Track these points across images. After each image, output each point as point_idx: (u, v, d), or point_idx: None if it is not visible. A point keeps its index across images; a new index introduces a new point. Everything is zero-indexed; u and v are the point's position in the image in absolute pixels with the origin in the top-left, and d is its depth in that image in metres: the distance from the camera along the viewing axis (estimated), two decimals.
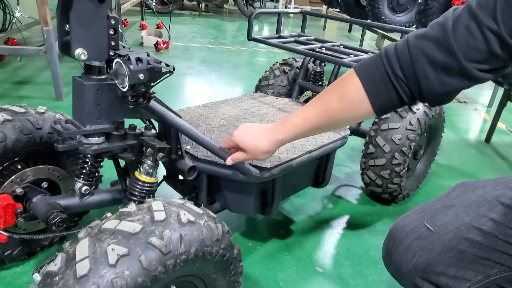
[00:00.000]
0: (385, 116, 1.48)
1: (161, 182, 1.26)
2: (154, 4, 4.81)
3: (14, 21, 3.15)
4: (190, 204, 0.80)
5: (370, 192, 1.71)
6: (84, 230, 0.69)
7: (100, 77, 0.87)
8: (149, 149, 0.93)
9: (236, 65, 3.86)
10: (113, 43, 0.86)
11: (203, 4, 7.75)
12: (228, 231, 0.83)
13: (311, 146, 1.23)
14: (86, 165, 1.01)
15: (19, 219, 1.04)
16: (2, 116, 1.04)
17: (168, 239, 0.67)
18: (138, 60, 0.80)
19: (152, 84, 0.87)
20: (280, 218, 1.52)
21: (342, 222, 1.54)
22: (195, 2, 7.58)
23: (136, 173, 0.95)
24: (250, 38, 1.74)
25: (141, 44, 4.31)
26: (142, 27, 5.12)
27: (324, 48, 1.66)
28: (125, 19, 5.41)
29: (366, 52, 1.68)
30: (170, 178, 1.27)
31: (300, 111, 0.85)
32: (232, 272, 0.84)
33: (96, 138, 0.92)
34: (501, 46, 0.63)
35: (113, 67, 0.82)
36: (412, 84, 0.71)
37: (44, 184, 1.13)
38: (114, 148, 0.95)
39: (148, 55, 0.82)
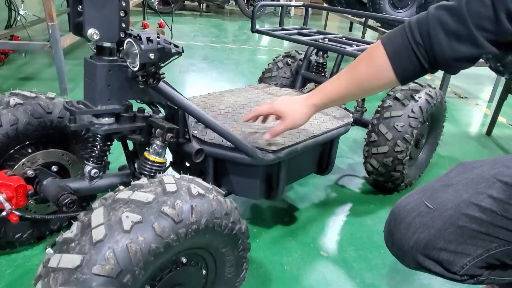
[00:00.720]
0: (387, 104, 1.50)
1: (167, 168, 1.28)
2: (156, 3, 4.84)
3: (19, 18, 3.17)
4: (199, 180, 0.82)
5: (373, 182, 1.73)
6: (98, 201, 0.71)
7: (111, 58, 0.90)
8: (158, 129, 0.96)
9: (238, 62, 3.89)
10: (123, 25, 0.88)
11: (204, 5, 7.79)
12: (236, 207, 0.85)
13: (316, 131, 1.25)
14: (95, 148, 1.03)
15: (30, 201, 1.06)
16: (14, 100, 1.06)
17: (180, 209, 0.69)
18: (149, 39, 0.83)
19: (161, 64, 0.89)
20: (284, 206, 1.54)
21: (345, 209, 1.56)
22: (196, 3, 7.63)
23: (146, 153, 0.97)
24: (253, 30, 1.77)
25: None
26: (144, 27, 5.15)
27: (327, 40, 1.68)
28: None
29: (368, 43, 1.70)
30: (176, 164, 1.29)
31: (332, 79, 0.94)
32: (241, 247, 0.86)
33: (107, 119, 0.95)
34: (508, 18, 0.68)
35: (125, 46, 0.84)
36: (429, 50, 0.77)
37: (54, 168, 1.15)
38: (123, 129, 0.98)
39: (158, 35, 0.85)
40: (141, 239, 0.64)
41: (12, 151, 1.08)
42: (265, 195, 1.24)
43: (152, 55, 0.83)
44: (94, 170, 1.05)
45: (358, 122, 1.70)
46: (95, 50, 0.93)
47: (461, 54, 0.75)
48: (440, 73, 3.31)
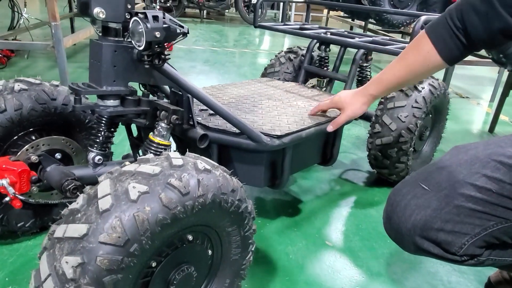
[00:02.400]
0: (390, 95, 1.50)
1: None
2: (157, 8, 4.88)
3: (22, 20, 3.20)
4: (205, 158, 0.81)
5: (377, 176, 1.72)
6: (104, 175, 0.70)
7: (117, 38, 0.90)
8: (163, 112, 0.95)
9: (239, 65, 3.90)
10: (129, 6, 0.88)
11: (205, 11, 7.85)
12: (242, 186, 0.84)
13: (319, 119, 1.24)
14: (99, 134, 1.03)
15: (33, 187, 1.06)
16: (19, 85, 1.06)
17: (187, 181, 0.68)
18: (155, 18, 0.83)
19: (166, 45, 0.89)
20: (288, 199, 1.53)
21: (349, 201, 1.54)
22: (197, 10, 7.69)
23: (150, 135, 0.96)
24: (256, 25, 1.78)
25: None
26: None
27: (329, 33, 1.69)
28: None
29: (370, 36, 1.71)
30: (180, 152, 1.28)
31: (385, 69, 1.04)
32: (247, 227, 0.85)
33: (112, 101, 0.94)
34: None
35: (130, 25, 0.84)
36: (466, 32, 0.84)
37: (58, 155, 1.14)
38: (129, 112, 0.97)
39: (164, 14, 0.85)
40: (148, 209, 0.63)
41: (16, 137, 1.07)
42: (270, 183, 1.23)
43: (158, 34, 0.83)
44: (98, 157, 1.04)
45: (361, 115, 1.69)
46: (100, 34, 0.93)
47: (493, 32, 0.79)
48: (441, 74, 3.32)
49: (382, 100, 1.53)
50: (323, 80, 1.77)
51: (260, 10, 7.52)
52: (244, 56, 4.39)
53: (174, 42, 0.90)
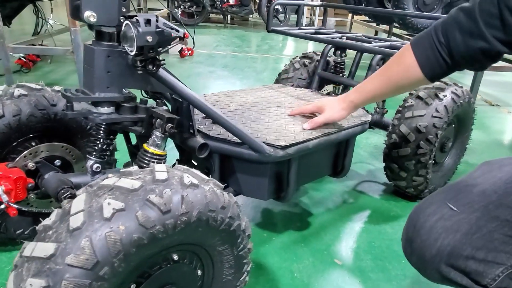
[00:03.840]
0: (409, 103, 1.41)
1: (173, 165, 1.23)
2: (179, 13, 4.92)
3: (47, 27, 3.27)
4: (196, 171, 0.76)
5: (394, 188, 1.62)
6: (83, 188, 0.66)
7: (111, 43, 0.86)
8: (158, 120, 0.91)
9: (259, 70, 3.86)
10: (123, 9, 0.84)
11: (229, 17, 7.88)
12: (236, 202, 0.78)
13: (329, 129, 1.17)
14: (98, 142, 1.00)
15: (31, 195, 1.04)
16: (19, 91, 1.05)
17: (168, 197, 0.63)
18: (147, 22, 0.78)
19: (161, 50, 0.85)
20: (298, 211, 1.45)
21: (363, 216, 1.45)
22: (221, 15, 7.72)
23: (145, 145, 0.92)
24: (269, 29, 1.72)
25: (167, 51, 4.39)
26: None
27: (345, 38, 1.61)
28: None
29: (388, 41, 1.61)
30: (183, 162, 1.24)
31: (368, 79, 1.04)
32: (240, 246, 0.78)
33: (106, 108, 0.91)
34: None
35: (122, 29, 0.80)
36: (448, 48, 0.81)
37: (57, 162, 1.12)
38: (124, 119, 0.93)
39: (157, 18, 0.80)
40: (122, 228, 0.58)
41: (15, 143, 1.05)
42: (274, 195, 1.16)
43: (150, 38, 0.78)
44: (96, 165, 1.01)
45: (378, 124, 1.60)
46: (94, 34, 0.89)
47: (474, 50, 0.77)
48: (469, 80, 3.15)
49: (400, 108, 1.44)
50: (338, 87, 1.69)
51: (283, 14, 7.48)
52: (264, 62, 4.34)
53: (169, 46, 0.86)
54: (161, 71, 0.89)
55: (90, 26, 0.88)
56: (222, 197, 0.72)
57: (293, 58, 1.88)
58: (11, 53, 2.59)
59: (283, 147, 1.03)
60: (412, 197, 1.56)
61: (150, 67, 0.85)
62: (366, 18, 5.24)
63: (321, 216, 1.43)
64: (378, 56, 1.45)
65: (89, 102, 0.91)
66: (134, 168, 0.70)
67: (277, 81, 1.87)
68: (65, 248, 0.55)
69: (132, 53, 0.80)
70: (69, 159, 1.14)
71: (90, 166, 1.01)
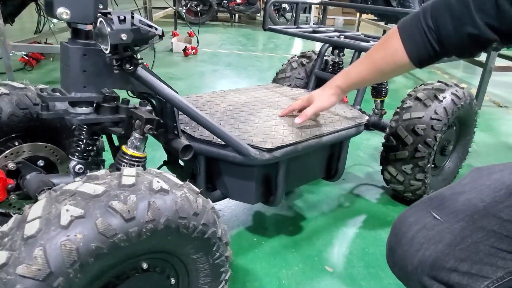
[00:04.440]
0: (407, 104, 1.35)
1: (161, 166, 1.20)
2: (184, 11, 4.90)
3: (51, 26, 3.28)
4: (170, 175, 0.72)
5: (392, 192, 1.56)
6: (46, 193, 0.63)
7: (87, 41, 0.83)
8: (137, 121, 0.88)
9: (263, 69, 3.81)
10: (100, 6, 0.81)
11: (236, 15, 7.85)
12: (213, 208, 0.75)
13: (321, 131, 1.12)
14: (80, 142, 0.97)
15: (12, 196, 1.02)
16: (0, 90, 1.02)
17: (133, 204, 0.60)
18: (121, 19, 0.75)
19: (138, 48, 0.81)
20: (290, 214, 1.41)
21: (358, 221, 1.41)
22: (228, 14, 7.69)
23: (123, 147, 0.89)
24: (265, 28, 1.68)
25: (171, 50, 4.38)
26: (174, 35, 5.22)
27: (342, 37, 1.56)
28: None
29: None
30: (170, 163, 1.21)
31: (354, 63, 1.00)
32: (216, 254, 0.75)
33: (84, 108, 0.88)
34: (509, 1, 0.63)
35: (96, 27, 0.77)
36: (437, 33, 0.75)
37: (41, 163, 1.09)
38: (103, 120, 0.90)
39: (132, 15, 0.77)
40: (80, 237, 0.54)
41: None
42: (263, 199, 1.13)
43: (124, 36, 0.75)
44: (78, 166, 0.98)
45: (376, 125, 1.55)
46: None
47: (462, 36, 0.71)
48: (476, 80, 3.07)
49: (398, 110, 1.38)
50: None
51: (291, 13, 7.42)
52: (269, 61, 4.30)
53: (147, 45, 0.82)
54: (140, 71, 0.86)
55: (69, 24, 0.85)
56: (195, 203, 0.69)
57: (291, 57, 1.83)
58: (13, 51, 2.59)
59: (269, 150, 0.99)
60: (411, 202, 1.50)
61: (127, 66, 0.82)
62: (374, 17, 5.16)
63: (315, 220, 1.38)
64: None
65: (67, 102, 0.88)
66: (102, 171, 0.67)
67: (274, 80, 1.83)
68: (18, 257, 0.52)
69: (107, 52, 0.77)
70: (53, 159, 1.12)
71: (72, 167, 0.98)
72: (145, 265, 0.67)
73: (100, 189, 0.60)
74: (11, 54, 2.53)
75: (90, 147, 0.99)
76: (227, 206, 1.42)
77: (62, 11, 0.76)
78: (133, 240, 0.59)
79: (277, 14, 7.24)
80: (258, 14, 8.02)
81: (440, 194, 0.70)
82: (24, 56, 3.04)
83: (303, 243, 1.26)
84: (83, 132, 0.96)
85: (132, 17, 0.77)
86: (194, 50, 4.27)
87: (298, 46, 5.53)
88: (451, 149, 1.50)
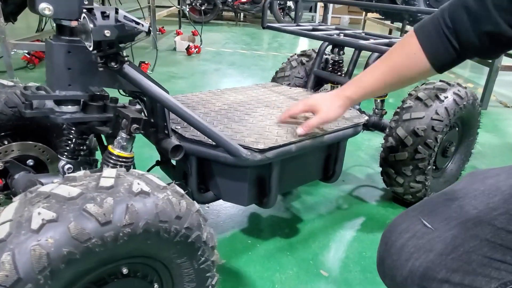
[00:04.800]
0: (407, 104, 1.32)
1: (153, 166, 1.18)
2: (187, 10, 4.88)
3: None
4: (153, 177, 0.70)
5: (393, 195, 1.53)
6: (22, 194, 0.61)
7: (72, 38, 0.81)
8: (124, 120, 0.85)
9: (265, 68, 3.78)
10: (86, 1, 0.79)
11: (242, 14, 7.82)
12: (199, 210, 0.72)
13: (316, 131, 1.09)
14: (70, 141, 0.95)
15: (0, 195, 1.00)
16: None
17: (109, 207, 0.57)
18: (105, 15, 0.73)
19: (123, 45, 0.79)
20: (287, 216, 1.38)
21: (356, 223, 1.37)
22: (233, 13, 7.67)
23: (110, 147, 0.86)
24: (264, 26, 1.65)
25: (175, 49, 4.37)
26: (178, 34, 5.21)
27: (342, 35, 1.53)
28: (162, 27, 5.55)
29: (389, 38, 1.52)
30: (163, 163, 1.18)
31: (366, 70, 0.91)
32: (201, 258, 0.72)
33: (70, 107, 0.85)
34: None
35: (79, 23, 0.75)
36: (455, 32, 0.72)
37: (30, 162, 1.07)
38: (90, 119, 0.88)
39: (117, 10, 0.74)
40: (51, 242, 0.52)
41: None
42: (256, 201, 1.10)
43: (107, 32, 0.73)
44: (68, 165, 0.96)
45: (377, 126, 1.52)
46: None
47: (482, 35, 0.68)
48: (483, 80, 3.01)
49: (398, 110, 1.35)
50: (336, 86, 1.60)
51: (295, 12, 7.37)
52: (273, 60, 4.26)
53: (134, 42, 0.80)
54: (127, 68, 0.83)
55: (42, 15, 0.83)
56: (178, 206, 0.66)
57: (291, 56, 1.80)
58: (15, 50, 2.59)
59: (261, 151, 0.96)
60: (411, 205, 1.46)
61: (112, 63, 0.79)
62: (380, 16, 5.09)
63: (312, 223, 1.35)
64: (376, 54, 1.36)
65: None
66: (81, 172, 0.65)
67: (274, 79, 1.80)
68: None
69: (91, 49, 0.75)
70: (43, 159, 1.10)
71: (61, 166, 0.96)
72: (125, 270, 0.65)
73: (75, 191, 0.57)
74: (12, 53, 2.53)
75: (80, 147, 0.97)
76: (223, 207, 1.40)
77: (45, 7, 0.74)
78: (109, 245, 0.57)
79: (282, 13, 7.20)
80: None
81: (432, 200, 0.66)
82: (26, 55, 3.04)
83: (299, 246, 1.23)
84: (72, 131, 0.94)
85: (117, 12, 0.74)
86: (197, 49, 4.25)
87: (303, 45, 5.48)
88: (453, 150, 1.46)
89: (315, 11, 8.37)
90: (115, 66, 0.80)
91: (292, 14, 7.37)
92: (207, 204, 1.39)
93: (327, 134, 1.10)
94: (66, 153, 0.96)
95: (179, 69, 3.51)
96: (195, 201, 0.74)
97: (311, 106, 1.02)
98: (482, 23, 0.67)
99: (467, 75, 4.12)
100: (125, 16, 0.75)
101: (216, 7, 6.96)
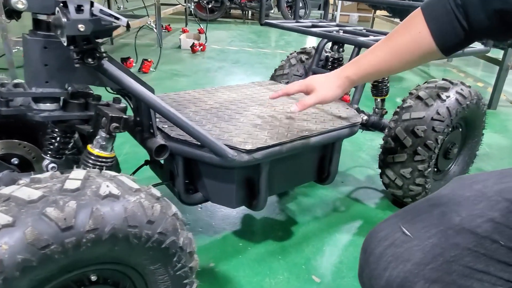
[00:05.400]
0: (407, 104, 1.26)
1: (142, 166, 1.15)
2: (193, 7, 4.86)
3: None
4: (126, 178, 0.66)
5: (393, 197, 1.47)
6: None
7: (49, 33, 0.78)
8: (103, 119, 0.82)
9: (270, 66, 3.73)
10: None
11: (249, 12, 7.77)
12: (175, 214, 0.68)
13: (309, 131, 1.05)
14: (53, 140, 0.93)
15: None
16: None
17: (71, 211, 0.54)
18: (79, 8, 0.69)
19: (100, 41, 0.76)
20: (281, 218, 1.34)
21: (353, 227, 1.32)
22: (240, 11, 7.63)
23: (89, 146, 0.83)
24: (261, 22, 1.61)
25: (179, 47, 4.35)
26: (183, 32, 5.19)
27: (342, 32, 1.48)
28: (169, 25, 5.54)
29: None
30: (152, 163, 1.15)
31: (367, 50, 0.84)
32: (177, 265, 0.69)
33: (48, 104, 0.83)
34: None
35: (53, 17, 0.72)
36: (465, 10, 0.66)
37: (15, 161, 1.05)
38: (69, 117, 0.85)
39: (92, 4, 0.71)
40: (5, 248, 0.49)
41: None
42: (246, 203, 1.06)
43: (82, 27, 0.69)
44: (52, 164, 0.94)
45: (376, 126, 1.47)
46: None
47: (491, 12, 0.61)
48: (491, 79, 2.92)
49: (398, 109, 1.30)
50: None
51: (304, 10, 7.30)
52: (278, 58, 4.21)
53: (112, 36, 0.77)
54: (106, 64, 0.80)
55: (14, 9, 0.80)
56: (150, 209, 0.63)
57: (290, 54, 1.76)
58: (17, 47, 2.59)
59: (248, 151, 0.92)
60: None
61: (90, 60, 0.76)
62: (387, 14, 5.00)
63: (306, 225, 1.31)
64: None
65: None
66: (47, 174, 0.62)
67: (272, 77, 1.76)
68: None
69: (65, 44, 0.72)
70: (28, 157, 1.08)
71: (45, 165, 0.94)
72: (93, 277, 0.62)
73: (36, 194, 0.54)
74: (15, 50, 2.52)
75: (65, 145, 0.94)
76: (216, 208, 1.36)
77: (17, 0, 0.71)
78: (70, 251, 0.53)
79: (289, 11, 7.13)
80: (272, 11, 7.93)
81: (415, 206, 0.62)
82: None
83: (292, 250, 1.19)
84: (56, 130, 0.92)
85: (92, 6, 0.71)
86: (202, 47, 4.22)
87: (311, 43, 5.42)
88: (456, 152, 1.40)
89: (324, 9, 8.26)
90: (92, 62, 0.76)
91: (301, 12, 7.30)
92: (199, 205, 1.36)
93: (320, 134, 1.06)
94: (50, 152, 0.94)
95: (183, 67, 3.48)
96: (172, 204, 0.71)
97: (308, 86, 0.95)
98: (492, 0, 0.61)
99: (478, 74, 4.02)
100: (101, 9, 0.72)
101: (223, 5, 6.92)
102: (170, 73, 3.23)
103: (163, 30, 5.26)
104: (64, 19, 0.68)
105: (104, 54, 0.78)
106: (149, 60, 3.23)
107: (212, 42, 4.74)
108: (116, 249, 0.59)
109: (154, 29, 3.44)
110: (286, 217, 1.35)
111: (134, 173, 1.11)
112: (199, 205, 1.36)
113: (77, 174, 0.61)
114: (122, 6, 5.49)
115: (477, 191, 0.59)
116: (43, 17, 0.76)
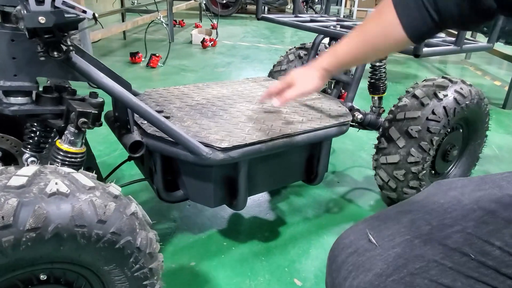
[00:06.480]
0: (402, 103, 1.21)
1: (124, 162, 1.14)
2: (204, 2, 4.85)
3: None
4: (81, 176, 0.64)
5: (388, 200, 1.42)
6: None
7: (16, 25, 0.76)
8: (73, 113, 0.81)
9: None
10: None
11: (266, 8, 7.71)
12: (134, 214, 0.66)
13: (292, 130, 1.01)
14: (33, 134, 0.92)
15: None
16: None
17: (10, 209, 0.52)
18: (40, 0, 0.68)
19: (67, 34, 0.74)
20: (270, 218, 1.31)
21: (344, 229, 1.27)
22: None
23: (58, 142, 0.82)
24: (258, 17, 1.57)
25: (191, 42, 4.35)
26: (196, 27, 5.19)
27: (339, 26, 1.42)
28: (182, 20, 5.54)
29: None
30: (136, 159, 1.14)
31: (342, 41, 0.84)
32: (134, 266, 0.66)
33: (19, 98, 0.82)
34: None
35: (15, 9, 0.70)
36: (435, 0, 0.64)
37: None
38: (41, 111, 0.84)
39: None
40: None
41: None
42: (226, 202, 1.03)
43: (42, 19, 0.68)
44: (31, 158, 0.93)
45: (373, 125, 1.41)
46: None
47: (461, 1, 0.59)
48: (508, 77, 2.78)
49: (393, 108, 1.24)
50: (331, 82, 1.50)
51: (320, 6, 7.18)
52: None
53: (80, 30, 0.75)
54: (75, 58, 0.79)
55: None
56: (102, 209, 0.61)
57: (289, 49, 1.71)
58: None
59: (224, 149, 0.89)
60: None
61: (55, 53, 0.74)
62: None
63: (295, 226, 1.27)
64: None
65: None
66: None
67: (270, 73, 1.72)
68: None
69: (28, 37, 0.70)
70: (12, 151, 1.08)
71: (25, 159, 0.93)
72: (42, 276, 0.60)
73: None
74: None
75: (44, 139, 0.93)
76: (201, 210, 1.34)
77: None
78: (8, 250, 0.52)
79: (305, 6, 7.04)
80: (288, 6, 7.84)
81: (386, 211, 0.58)
82: None
83: (276, 251, 1.15)
84: (35, 124, 0.91)
85: None
86: (212, 42, 4.21)
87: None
88: (456, 154, 1.33)
89: (340, 4, 8.12)
90: (57, 55, 0.74)
91: (316, 7, 7.19)
92: (188, 202, 1.34)
93: (305, 133, 1.02)
94: (29, 146, 0.93)
95: (191, 62, 3.47)
96: (133, 203, 0.69)
97: (289, 82, 0.95)
98: None
99: (494, 72, 3.86)
100: (63, 1, 0.70)
101: (238, 0, 6.89)
102: (178, 68, 3.23)
103: (177, 26, 5.27)
104: (23, 11, 0.67)
105: (72, 47, 0.76)
106: (157, 55, 3.23)
107: (225, 37, 4.72)
108: (62, 249, 0.57)
109: (164, 24, 3.44)
110: (276, 217, 1.32)
111: (115, 169, 1.10)
112: (187, 202, 1.34)
113: (27, 170, 0.60)
114: (136, 1, 5.52)
115: (452, 198, 0.54)
116: (10, 9, 0.75)
